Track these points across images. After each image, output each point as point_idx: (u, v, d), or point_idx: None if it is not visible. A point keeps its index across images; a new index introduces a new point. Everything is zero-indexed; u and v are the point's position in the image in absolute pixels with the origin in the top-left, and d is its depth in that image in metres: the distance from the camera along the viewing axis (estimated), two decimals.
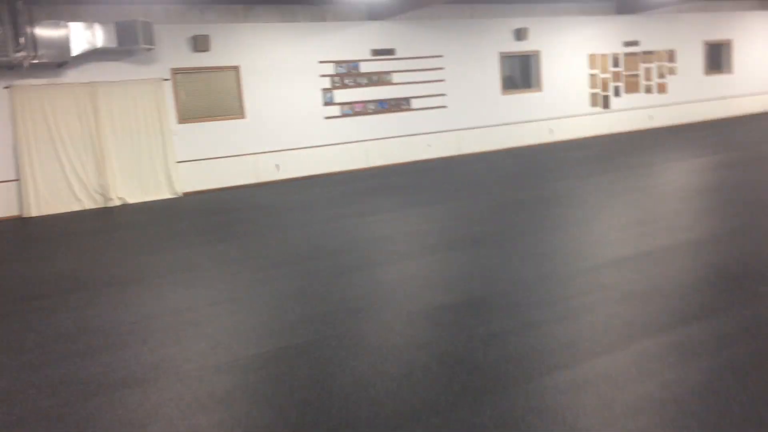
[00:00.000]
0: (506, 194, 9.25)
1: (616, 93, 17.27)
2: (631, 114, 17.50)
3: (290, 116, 13.40)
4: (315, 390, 3.24)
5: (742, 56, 19.44)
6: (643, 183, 9.25)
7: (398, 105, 14.56)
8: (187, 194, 12.22)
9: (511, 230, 6.79)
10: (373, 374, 3.40)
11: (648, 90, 17.82)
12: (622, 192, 8.56)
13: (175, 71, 12.18)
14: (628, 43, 17.31)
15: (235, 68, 12.79)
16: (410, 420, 2.85)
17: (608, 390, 2.99)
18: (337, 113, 13.93)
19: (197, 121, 12.47)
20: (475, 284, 4.92)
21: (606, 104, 17.14)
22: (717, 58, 19.27)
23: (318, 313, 4.55)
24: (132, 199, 11.64)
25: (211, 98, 12.69)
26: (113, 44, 10.98)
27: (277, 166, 13.28)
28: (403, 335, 4.00)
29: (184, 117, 12.35)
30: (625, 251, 5.41)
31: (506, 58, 15.91)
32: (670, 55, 18.09)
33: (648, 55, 17.71)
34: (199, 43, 12.26)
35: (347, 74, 13.98)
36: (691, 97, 18.56)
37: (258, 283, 5.50)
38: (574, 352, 3.44)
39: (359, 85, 14.13)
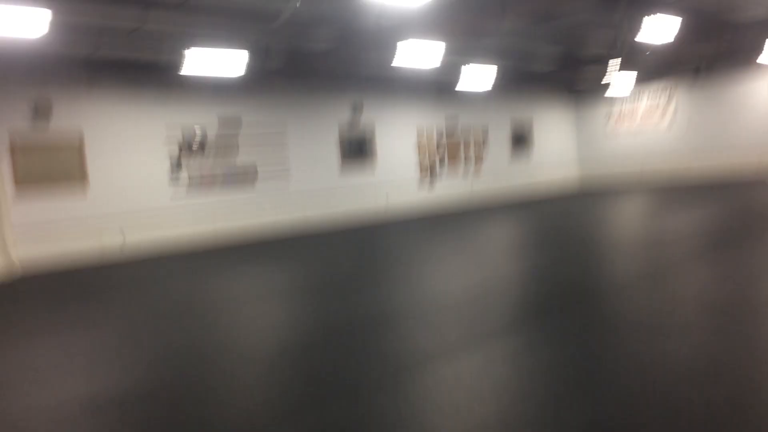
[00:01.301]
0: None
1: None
2: (452, 187, 19.38)
3: (136, 183, 13.25)
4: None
5: (541, 141, 22.43)
6: (480, 237, 10.52)
7: (245, 175, 14.96)
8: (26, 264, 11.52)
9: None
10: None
11: (466, 166, 19.94)
12: (464, 240, 9.69)
13: None
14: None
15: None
16: (342, 397, 3.33)
17: (519, 353, 3.73)
18: (185, 181, 14.02)
19: None
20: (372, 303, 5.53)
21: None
22: (521, 142, 22.09)
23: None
24: None
25: None
26: None
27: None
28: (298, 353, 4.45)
29: None
30: (490, 275, 6.33)
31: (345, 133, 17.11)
32: (484, 136, 20.47)
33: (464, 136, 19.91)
34: None
35: (194, 142, 14.19)
36: (499, 178, 20.96)
37: None
38: (483, 336, 4.16)
39: (206, 155, 14.36)
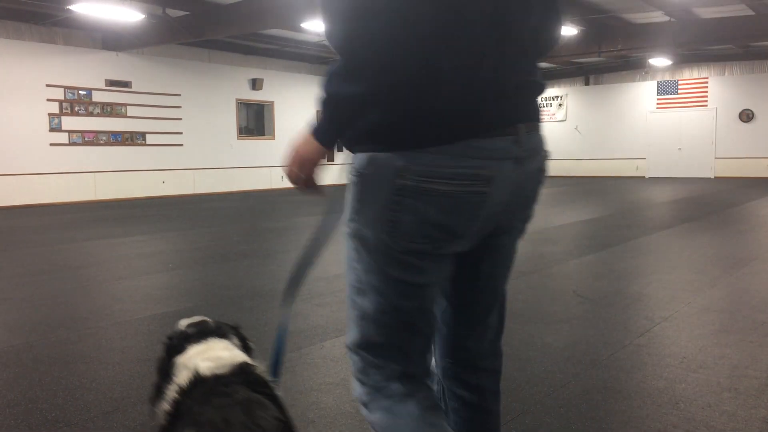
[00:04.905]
0: (257, 224, 9.74)
1: (340, 148, 18.99)
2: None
3: (9, 139, 12.26)
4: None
5: None
6: None
7: (132, 138, 14.21)
8: None
9: (273, 248, 7.31)
10: None
11: None
12: None
13: None
14: None
15: None
16: None
17: None
18: (65, 141, 13.12)
19: None
20: (261, 281, 5.34)
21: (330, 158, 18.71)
22: None
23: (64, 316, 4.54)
24: None
25: None
26: None
27: None
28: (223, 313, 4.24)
29: None
30: None
31: (242, 105, 16.59)
32: None
33: None
34: None
35: (78, 101, 13.32)
36: None
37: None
38: None
39: (91, 114, 13.53)
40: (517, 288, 5.09)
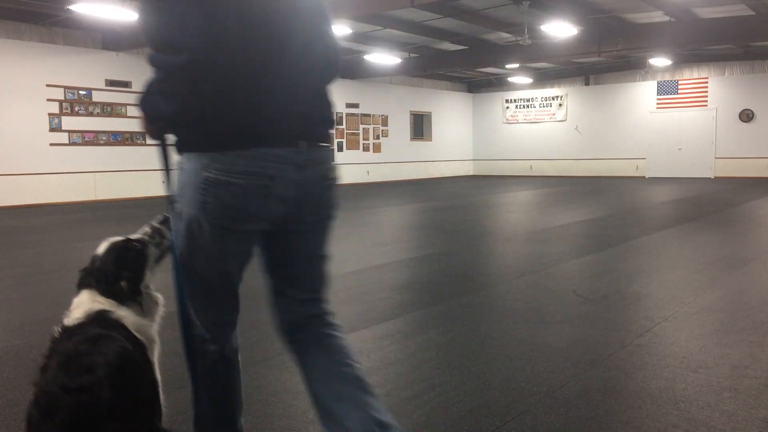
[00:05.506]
0: None
1: (340, 149, 18.99)
2: (351, 168, 19.32)
3: (9, 139, 12.26)
4: None
5: (439, 127, 22.85)
6: (376, 219, 10.52)
7: (132, 138, 14.21)
8: None
9: None
10: None
11: (366, 148, 19.93)
12: (360, 225, 9.65)
13: None
14: (349, 105, 19.26)
15: None
16: None
17: (407, 335, 3.70)
18: (65, 141, 13.12)
19: None
20: (260, 281, 5.34)
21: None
22: (420, 126, 22.37)
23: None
24: None
25: None
26: None
27: None
28: None
29: None
30: (382, 261, 6.30)
31: None
32: (384, 120, 20.53)
33: (366, 117, 19.89)
34: None
35: (78, 101, 13.31)
36: (399, 159, 21.18)
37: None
38: (373, 317, 4.10)
39: (91, 114, 13.52)
40: (517, 288, 5.10)
